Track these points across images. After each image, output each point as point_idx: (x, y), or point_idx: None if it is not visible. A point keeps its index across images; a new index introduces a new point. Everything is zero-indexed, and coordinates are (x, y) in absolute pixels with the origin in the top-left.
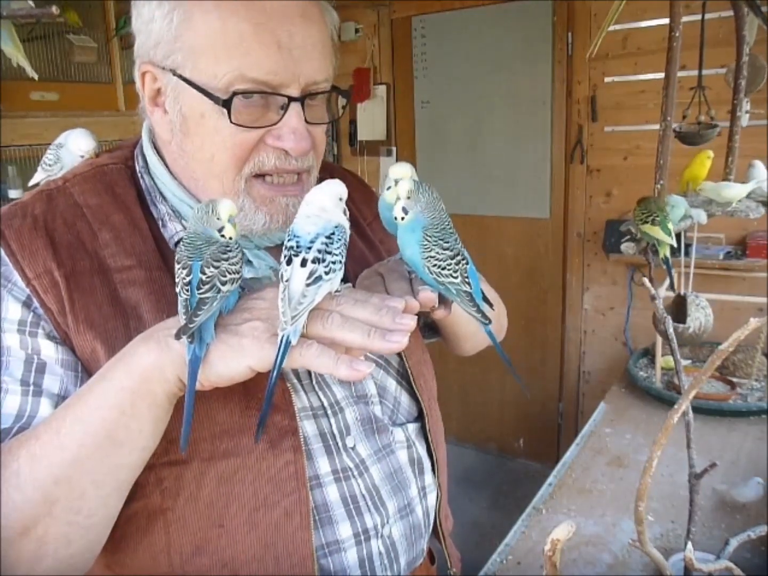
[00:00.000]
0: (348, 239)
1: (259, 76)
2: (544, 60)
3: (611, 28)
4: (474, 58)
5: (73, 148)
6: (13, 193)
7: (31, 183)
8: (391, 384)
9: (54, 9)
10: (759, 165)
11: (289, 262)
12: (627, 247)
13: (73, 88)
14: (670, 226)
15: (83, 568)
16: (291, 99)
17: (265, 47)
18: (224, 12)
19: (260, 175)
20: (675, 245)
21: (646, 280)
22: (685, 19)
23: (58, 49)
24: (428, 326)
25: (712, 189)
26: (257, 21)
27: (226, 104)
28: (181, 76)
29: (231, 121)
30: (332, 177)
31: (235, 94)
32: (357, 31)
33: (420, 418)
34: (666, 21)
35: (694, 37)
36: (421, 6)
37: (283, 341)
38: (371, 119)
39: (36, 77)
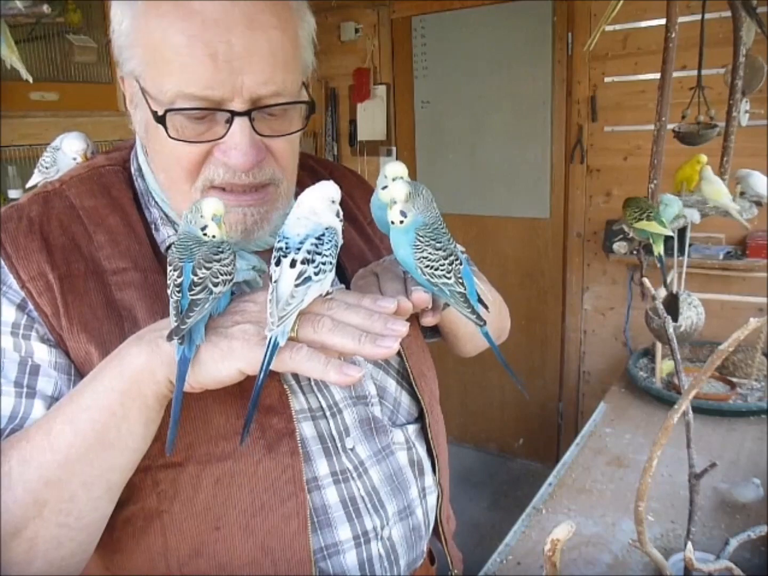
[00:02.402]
0: (339, 242)
1: (196, 92)
2: (544, 60)
3: (611, 28)
4: (474, 58)
5: (66, 150)
6: (13, 193)
7: (28, 185)
8: (391, 384)
9: (45, 8)
10: (755, 176)
11: (278, 263)
12: (619, 246)
13: (73, 88)
14: (664, 219)
15: (75, 570)
16: (234, 113)
17: (199, 60)
18: (163, 23)
19: (213, 186)
20: (673, 234)
21: (645, 280)
22: (685, 19)
23: (58, 49)
24: (429, 326)
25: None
26: (192, 33)
27: (161, 120)
28: (140, 85)
29: (169, 136)
30: (332, 175)
31: (168, 110)
32: (357, 31)
33: (420, 418)
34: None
35: (694, 37)
36: (421, 6)
37: (271, 342)
38: (371, 119)
39: (30, 80)
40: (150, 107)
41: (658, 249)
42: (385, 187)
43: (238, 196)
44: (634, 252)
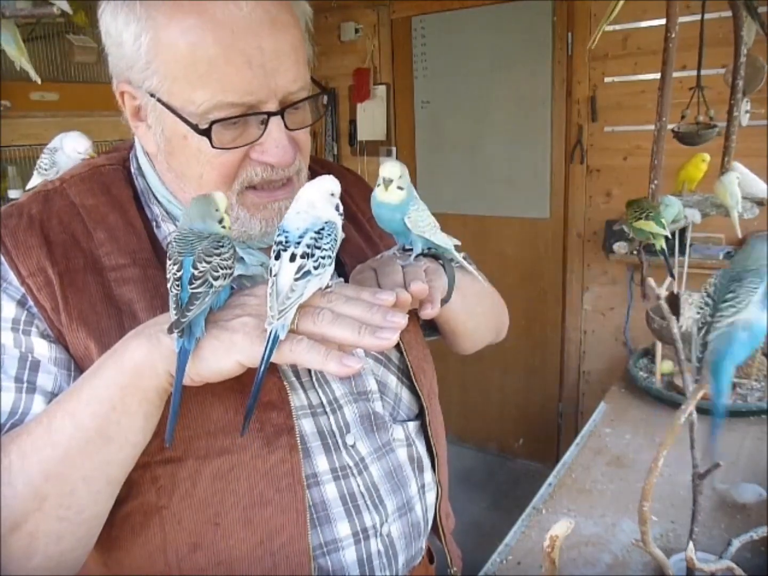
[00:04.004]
0: (339, 235)
1: (235, 99)
2: (544, 60)
3: (611, 28)
4: (474, 58)
5: (70, 150)
6: (13, 193)
7: (28, 187)
8: (392, 380)
9: (55, 9)
10: (745, 175)
11: (277, 257)
12: (619, 246)
13: (73, 88)
14: (663, 220)
15: (74, 565)
16: (270, 114)
17: (237, 69)
18: (191, 36)
19: (249, 186)
20: (669, 237)
21: (650, 280)
22: (685, 19)
23: (58, 49)
24: (428, 324)
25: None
26: (225, 42)
27: (206, 133)
28: (159, 100)
29: (213, 146)
30: (329, 174)
31: (213, 122)
32: (357, 31)
33: (420, 415)
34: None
35: (694, 37)
36: (421, 6)
37: (272, 336)
38: (371, 119)
39: (39, 81)
40: (187, 121)
41: (660, 243)
42: (378, 185)
43: (272, 193)
44: (634, 252)
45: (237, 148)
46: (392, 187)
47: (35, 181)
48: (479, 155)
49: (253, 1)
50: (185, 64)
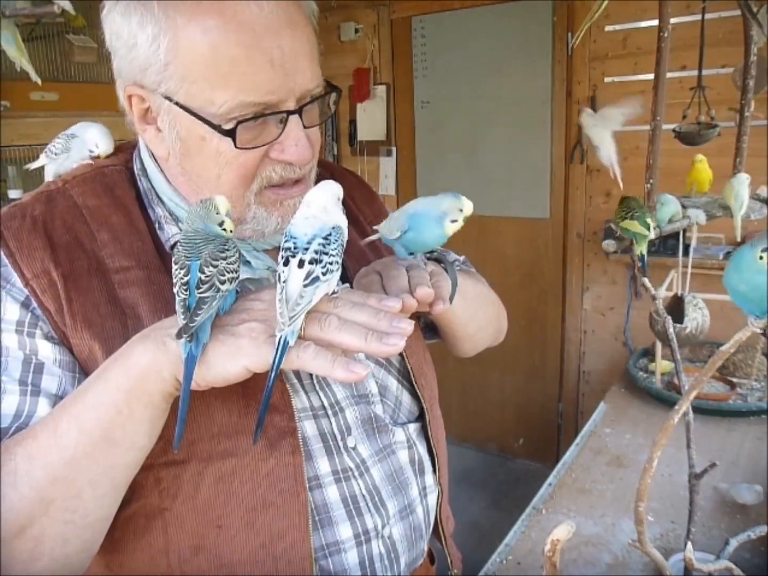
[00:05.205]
0: (345, 240)
1: (257, 99)
2: (544, 60)
3: (611, 28)
4: (474, 58)
5: (89, 142)
6: (13, 193)
7: (33, 166)
8: (393, 383)
9: (56, 8)
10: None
11: (286, 263)
12: (608, 244)
13: (73, 88)
14: (650, 221)
15: (80, 568)
16: (289, 113)
17: (259, 69)
18: (213, 36)
19: (268, 185)
20: (652, 237)
21: (646, 281)
22: (685, 19)
23: (58, 49)
24: (429, 327)
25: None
26: (247, 43)
27: (230, 133)
28: (177, 103)
29: (237, 147)
30: (332, 176)
31: (238, 122)
32: (357, 31)
33: (421, 418)
34: None
35: (695, 37)
36: (421, 6)
37: (281, 342)
38: (371, 119)
39: (39, 82)
40: (209, 122)
41: (640, 248)
42: (454, 221)
43: (288, 189)
44: (623, 251)
45: (258, 147)
46: None
47: (41, 162)
48: (479, 155)
49: (273, 0)
50: (206, 64)
